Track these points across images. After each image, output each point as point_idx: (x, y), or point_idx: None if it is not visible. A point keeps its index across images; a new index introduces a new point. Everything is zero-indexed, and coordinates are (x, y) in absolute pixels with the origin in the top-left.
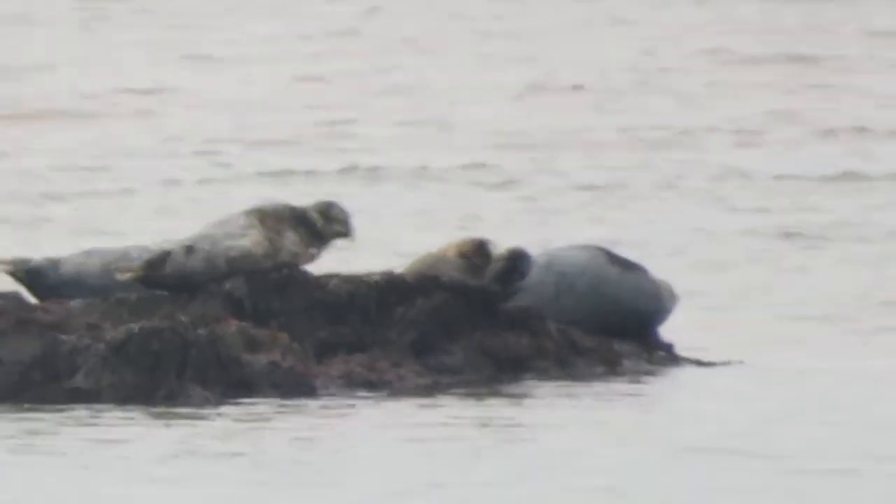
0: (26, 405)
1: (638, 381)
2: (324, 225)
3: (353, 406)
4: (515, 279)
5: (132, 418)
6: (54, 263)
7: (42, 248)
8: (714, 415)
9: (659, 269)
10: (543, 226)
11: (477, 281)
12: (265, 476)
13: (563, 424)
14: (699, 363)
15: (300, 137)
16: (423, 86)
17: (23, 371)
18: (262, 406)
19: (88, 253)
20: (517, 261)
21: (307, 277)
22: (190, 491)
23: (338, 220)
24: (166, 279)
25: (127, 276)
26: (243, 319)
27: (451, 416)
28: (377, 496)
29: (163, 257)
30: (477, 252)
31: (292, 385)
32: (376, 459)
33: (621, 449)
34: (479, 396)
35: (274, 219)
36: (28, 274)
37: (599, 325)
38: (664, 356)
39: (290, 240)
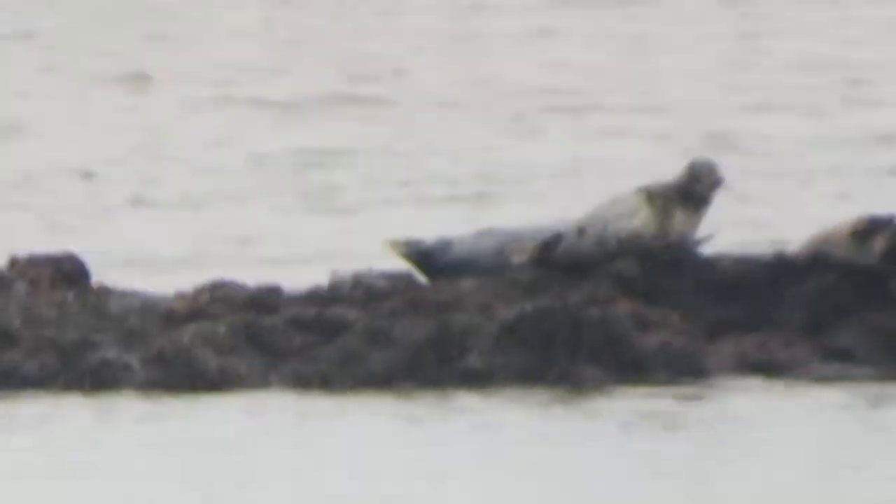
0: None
1: None
2: (702, 189)
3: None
4: None
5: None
6: (447, 245)
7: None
8: None
9: None
10: None
11: (866, 259)
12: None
13: None
14: None
15: None
16: None
17: (415, 351)
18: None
19: (480, 234)
20: None
21: (697, 258)
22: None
23: (703, 176)
24: (559, 260)
25: (523, 258)
26: (634, 299)
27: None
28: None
29: (556, 239)
30: (867, 230)
31: (683, 365)
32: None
33: None
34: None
35: (663, 198)
36: (421, 255)
37: None
38: None
39: (678, 220)
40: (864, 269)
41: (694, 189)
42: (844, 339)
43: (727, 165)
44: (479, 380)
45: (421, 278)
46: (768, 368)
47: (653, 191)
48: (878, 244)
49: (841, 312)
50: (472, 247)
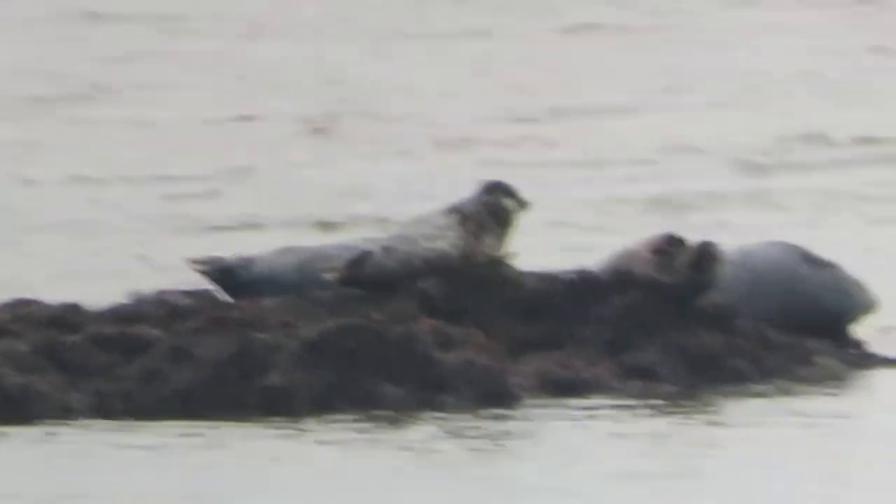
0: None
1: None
2: (514, 210)
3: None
4: (705, 271)
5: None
6: (248, 262)
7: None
8: None
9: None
10: None
11: (670, 277)
12: None
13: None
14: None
15: None
16: None
17: (216, 369)
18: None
19: (281, 251)
20: (706, 251)
21: (502, 275)
22: None
23: (516, 196)
24: (366, 278)
25: (333, 275)
26: (438, 318)
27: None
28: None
29: (364, 257)
30: (668, 247)
31: (487, 383)
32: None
33: None
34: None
35: (475, 223)
36: (222, 273)
37: (792, 322)
38: (856, 354)
39: (487, 243)
40: (666, 287)
41: (502, 210)
42: (647, 358)
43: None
44: (280, 398)
45: (223, 296)
46: (571, 387)
47: (465, 213)
48: (680, 261)
49: (644, 331)
50: (273, 264)
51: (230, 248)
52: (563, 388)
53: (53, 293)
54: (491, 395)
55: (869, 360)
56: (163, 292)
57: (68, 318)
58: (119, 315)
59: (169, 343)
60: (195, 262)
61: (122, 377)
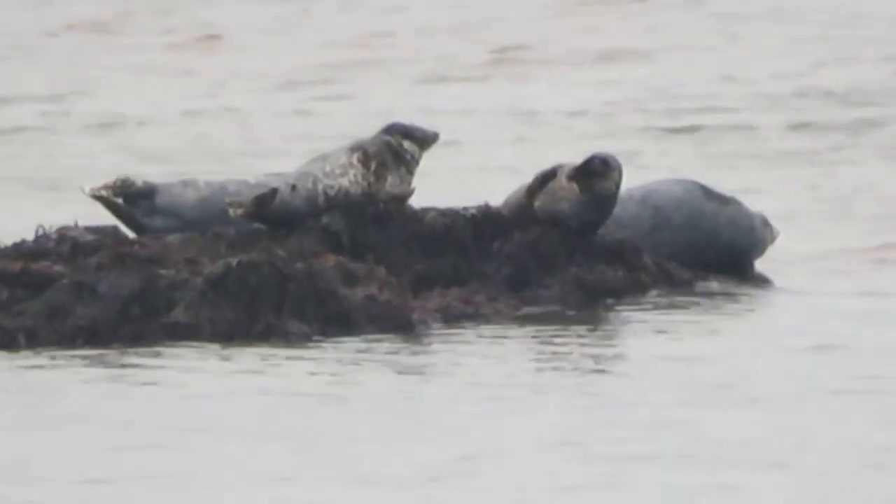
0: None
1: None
2: (413, 151)
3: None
4: (595, 178)
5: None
6: (152, 189)
7: None
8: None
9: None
10: None
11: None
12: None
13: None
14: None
15: None
16: None
17: (122, 306)
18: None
19: (185, 184)
20: (592, 160)
21: (404, 211)
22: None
23: (415, 136)
24: (272, 216)
25: (240, 211)
26: (340, 254)
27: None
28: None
29: (271, 195)
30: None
31: (389, 319)
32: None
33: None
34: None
35: (377, 162)
36: (128, 196)
37: (695, 258)
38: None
39: (390, 182)
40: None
41: (414, 157)
42: (549, 294)
43: None
44: (185, 334)
45: (127, 231)
46: (472, 321)
47: (367, 152)
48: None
49: (547, 266)
50: (175, 198)
51: None
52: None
53: None
54: (393, 330)
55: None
56: (65, 228)
57: None
58: (22, 252)
59: (72, 279)
60: (104, 186)
61: (26, 313)
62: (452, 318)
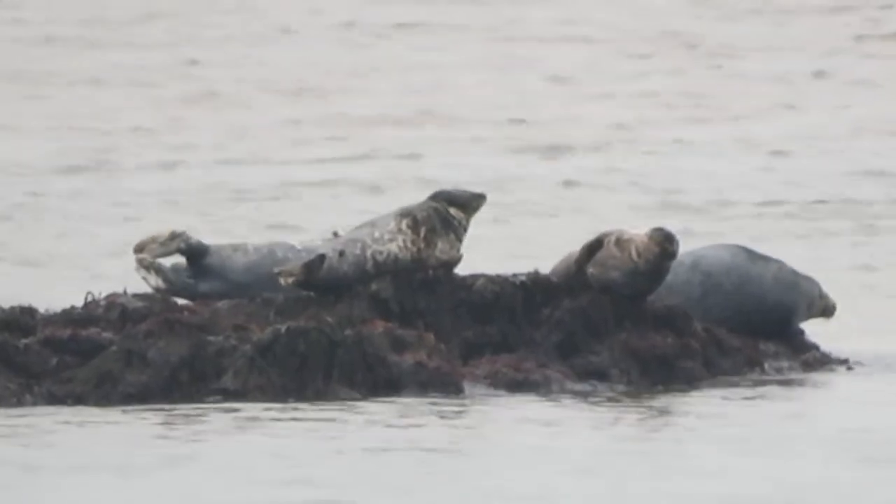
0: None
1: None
2: (460, 217)
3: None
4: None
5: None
6: (204, 249)
7: None
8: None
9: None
10: None
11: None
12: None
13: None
14: (846, 364)
15: None
16: None
17: (171, 372)
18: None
19: (234, 247)
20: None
21: (452, 278)
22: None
23: (460, 202)
24: (320, 282)
25: (290, 280)
26: (389, 321)
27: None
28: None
29: (319, 261)
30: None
31: (438, 385)
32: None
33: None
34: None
35: (427, 228)
36: (188, 249)
37: (744, 323)
38: (810, 356)
39: (440, 248)
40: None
41: (462, 223)
42: (599, 360)
43: None
44: (235, 400)
45: (176, 299)
46: (522, 388)
47: (416, 218)
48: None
49: (596, 333)
50: (225, 260)
51: None
52: (513, 388)
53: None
54: (443, 394)
55: (822, 362)
56: (114, 295)
57: (21, 320)
58: (71, 318)
59: (121, 346)
60: (151, 239)
61: (75, 379)
62: (501, 385)
